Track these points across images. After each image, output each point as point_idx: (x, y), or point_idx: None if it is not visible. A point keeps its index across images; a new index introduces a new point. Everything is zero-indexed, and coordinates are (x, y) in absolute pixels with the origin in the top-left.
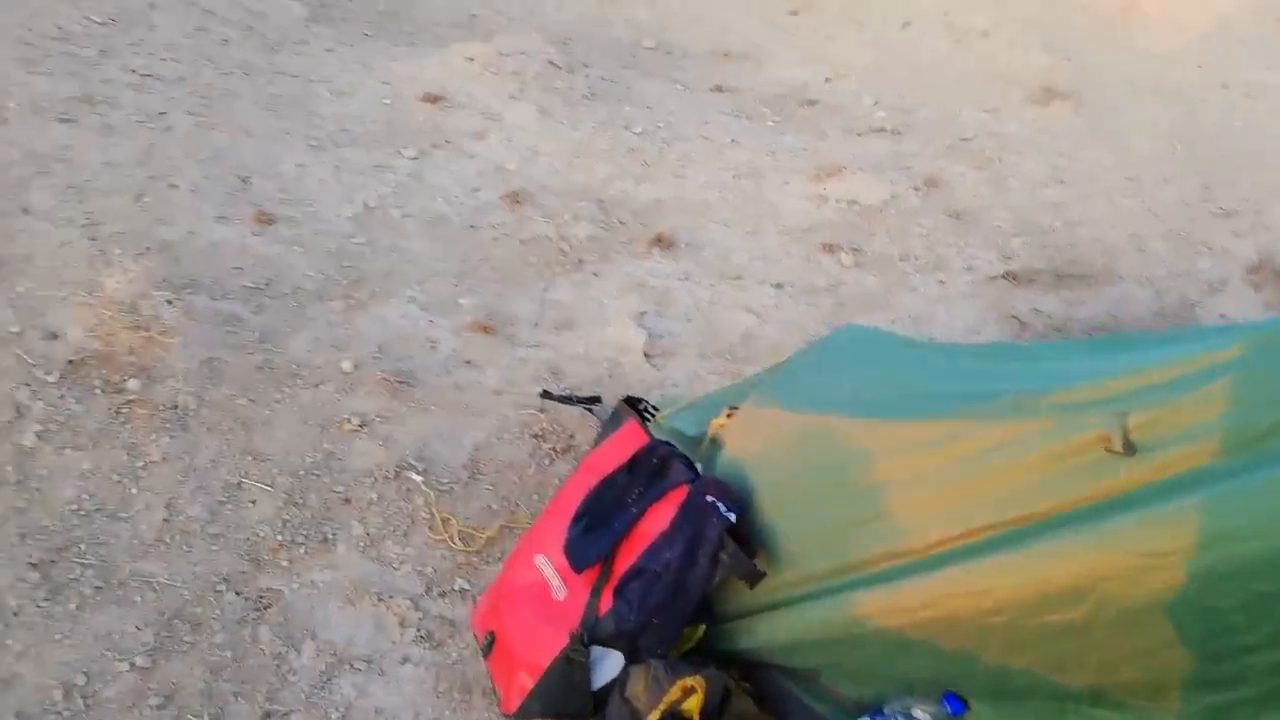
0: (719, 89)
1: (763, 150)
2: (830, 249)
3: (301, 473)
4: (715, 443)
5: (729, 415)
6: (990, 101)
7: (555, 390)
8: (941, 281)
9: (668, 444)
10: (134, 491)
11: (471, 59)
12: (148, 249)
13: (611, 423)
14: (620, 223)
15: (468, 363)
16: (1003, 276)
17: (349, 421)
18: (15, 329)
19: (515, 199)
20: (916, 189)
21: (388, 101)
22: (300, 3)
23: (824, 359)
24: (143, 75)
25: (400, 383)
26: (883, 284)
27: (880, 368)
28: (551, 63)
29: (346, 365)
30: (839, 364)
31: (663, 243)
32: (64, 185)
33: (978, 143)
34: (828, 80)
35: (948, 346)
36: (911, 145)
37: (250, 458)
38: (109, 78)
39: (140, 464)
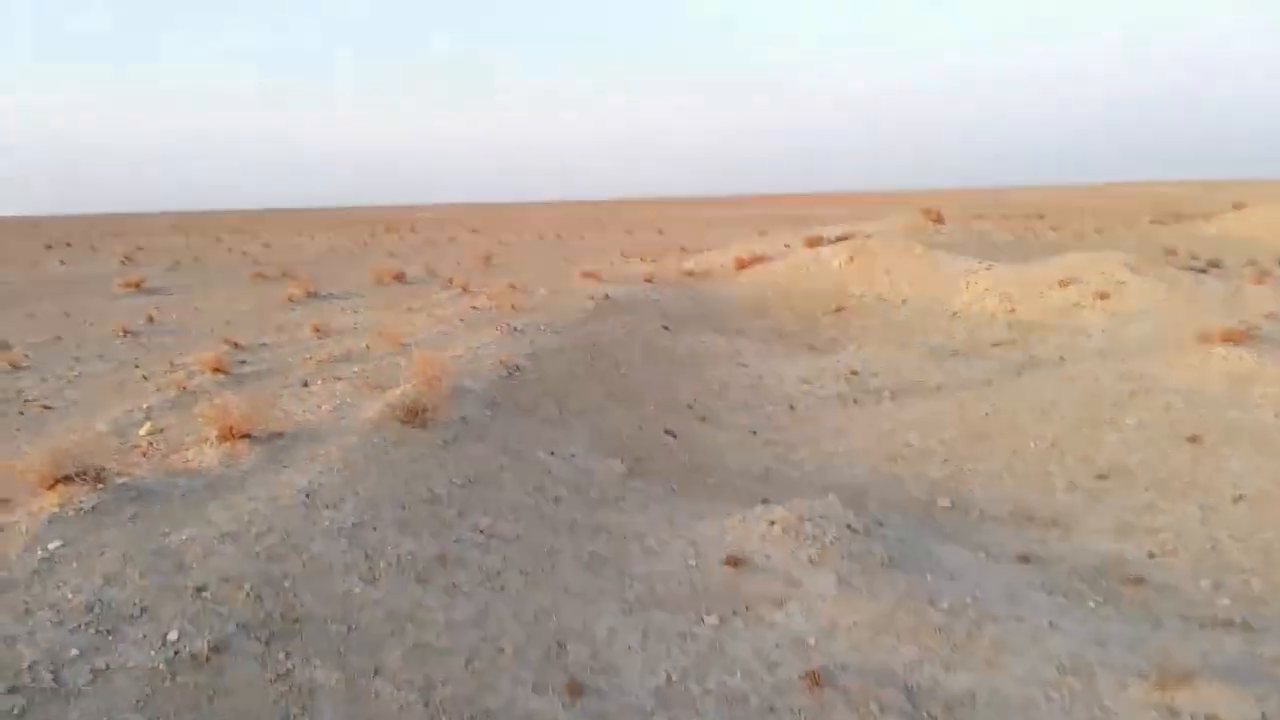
0: (1025, 559)
1: (1088, 639)
2: None
3: None
4: None
5: None
6: None
7: None
8: None
9: None
10: None
11: (772, 523)
12: (471, 718)
13: None
14: (931, 718)
15: None
16: None
17: None
18: None
19: (815, 679)
20: None
21: (692, 563)
22: (620, 460)
23: None
24: (488, 535)
25: None
26: None
27: None
28: (849, 526)
29: None
30: None
31: None
32: (412, 644)
33: None
34: (1152, 556)
35: None
36: (1273, 647)
37: None
38: (461, 537)
39: None
